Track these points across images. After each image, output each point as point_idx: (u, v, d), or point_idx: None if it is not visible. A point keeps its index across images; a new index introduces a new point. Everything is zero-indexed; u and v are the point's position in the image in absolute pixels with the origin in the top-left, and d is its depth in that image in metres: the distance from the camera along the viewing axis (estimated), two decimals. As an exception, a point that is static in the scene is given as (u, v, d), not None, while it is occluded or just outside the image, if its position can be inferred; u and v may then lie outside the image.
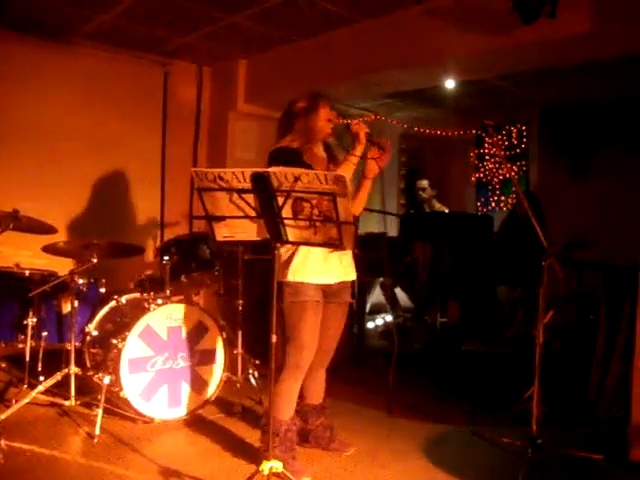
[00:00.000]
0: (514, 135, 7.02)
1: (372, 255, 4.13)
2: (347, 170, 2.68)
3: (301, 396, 3.00)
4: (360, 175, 2.91)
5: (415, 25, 4.23)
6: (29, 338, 3.45)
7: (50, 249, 3.53)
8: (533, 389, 2.98)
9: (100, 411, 3.19)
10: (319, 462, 2.95)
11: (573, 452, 3.02)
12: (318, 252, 2.71)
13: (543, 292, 2.97)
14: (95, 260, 3.44)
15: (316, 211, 2.25)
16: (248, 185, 2.23)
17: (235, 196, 2.27)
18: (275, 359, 2.41)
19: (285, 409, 2.76)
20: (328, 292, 2.81)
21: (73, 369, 3.37)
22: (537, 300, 3.01)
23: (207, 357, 3.59)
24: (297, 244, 2.52)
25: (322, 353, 2.92)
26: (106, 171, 5.27)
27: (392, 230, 6.48)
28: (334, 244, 2.31)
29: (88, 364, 3.59)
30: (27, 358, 3.47)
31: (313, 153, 2.87)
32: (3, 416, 3.05)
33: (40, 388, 3.30)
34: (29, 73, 4.86)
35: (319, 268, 2.73)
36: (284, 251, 2.71)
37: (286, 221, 2.30)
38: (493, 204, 7.27)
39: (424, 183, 6.09)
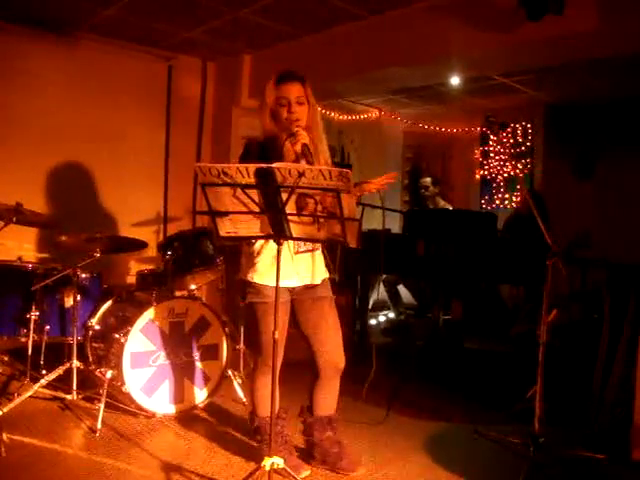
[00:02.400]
0: (519, 133, 7.00)
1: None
2: None
3: (309, 407, 2.85)
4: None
5: (420, 21, 4.21)
6: (31, 332, 3.45)
7: (53, 243, 3.53)
8: (536, 388, 2.98)
9: (102, 405, 3.19)
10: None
11: (575, 451, 3.02)
12: (283, 254, 2.48)
13: (547, 291, 2.96)
14: (98, 254, 3.44)
15: (320, 207, 2.24)
16: (252, 180, 2.21)
17: (239, 191, 2.25)
18: (275, 355, 2.40)
19: (265, 406, 2.61)
20: (294, 292, 2.70)
21: (75, 363, 3.37)
22: (541, 299, 3.00)
23: (209, 352, 3.58)
24: (301, 240, 2.50)
25: (326, 357, 2.73)
26: (109, 165, 5.26)
27: (395, 227, 6.49)
28: (338, 240, 2.30)
29: (90, 358, 3.59)
30: (29, 352, 3.47)
31: (279, 149, 2.52)
32: (5, 409, 3.05)
33: (42, 382, 3.31)
34: (32, 67, 4.84)
35: (283, 271, 2.47)
36: (249, 248, 2.66)
37: (290, 217, 2.29)
38: (497, 202, 7.25)
39: (427, 181, 6.09)
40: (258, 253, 2.64)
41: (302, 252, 2.67)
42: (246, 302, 2.71)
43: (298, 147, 2.48)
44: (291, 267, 2.63)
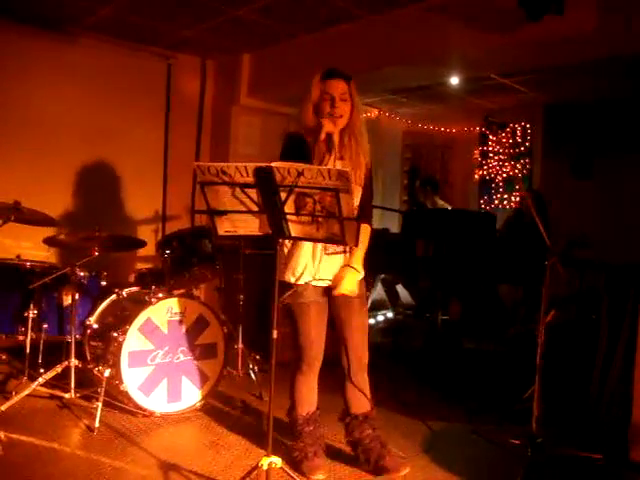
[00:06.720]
0: (518, 133, 7.00)
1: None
2: None
3: (344, 407, 2.86)
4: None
5: (420, 21, 4.20)
6: (29, 330, 3.45)
7: (51, 241, 3.53)
8: (534, 388, 2.98)
9: (100, 404, 3.19)
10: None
11: (573, 452, 3.02)
12: (315, 254, 2.64)
13: (545, 291, 2.96)
14: (96, 253, 3.44)
15: (319, 206, 2.23)
16: (251, 179, 2.21)
17: (237, 190, 2.25)
18: (276, 354, 2.39)
19: (304, 404, 2.78)
20: (329, 291, 2.70)
21: (73, 362, 3.37)
22: (539, 299, 3.00)
23: (207, 351, 3.58)
24: (299, 239, 2.49)
25: (351, 352, 2.75)
26: (108, 164, 5.26)
27: (394, 227, 6.49)
28: (336, 240, 2.30)
29: (88, 357, 3.59)
30: (27, 350, 3.48)
31: (315, 143, 2.58)
32: (3, 408, 3.05)
33: (40, 380, 3.30)
34: (31, 65, 4.83)
35: (316, 271, 2.65)
36: (283, 250, 2.66)
37: (288, 216, 2.28)
38: (496, 202, 7.25)
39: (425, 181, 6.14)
40: (291, 254, 2.65)
41: (331, 253, 2.65)
42: (284, 302, 2.67)
43: (322, 135, 2.55)
44: (323, 267, 2.66)
